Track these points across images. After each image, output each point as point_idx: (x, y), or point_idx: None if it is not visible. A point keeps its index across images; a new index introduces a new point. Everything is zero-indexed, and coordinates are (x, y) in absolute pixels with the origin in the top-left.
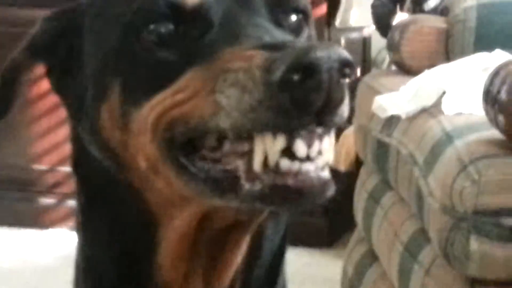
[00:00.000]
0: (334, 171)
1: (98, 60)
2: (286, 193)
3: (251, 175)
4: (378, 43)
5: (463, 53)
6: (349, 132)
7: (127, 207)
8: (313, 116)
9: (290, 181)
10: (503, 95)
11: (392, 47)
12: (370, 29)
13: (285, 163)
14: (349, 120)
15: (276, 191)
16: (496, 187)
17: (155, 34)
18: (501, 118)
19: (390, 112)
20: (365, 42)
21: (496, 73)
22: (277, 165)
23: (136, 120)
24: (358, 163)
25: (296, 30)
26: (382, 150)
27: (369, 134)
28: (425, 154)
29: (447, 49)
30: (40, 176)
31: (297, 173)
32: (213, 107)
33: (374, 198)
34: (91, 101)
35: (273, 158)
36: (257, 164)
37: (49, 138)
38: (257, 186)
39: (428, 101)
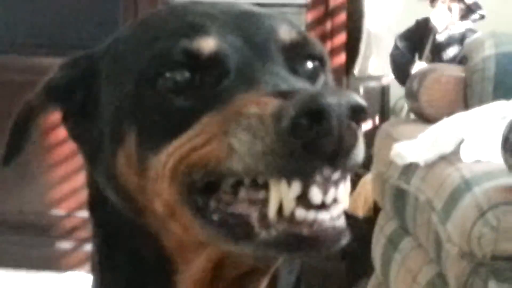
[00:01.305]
0: (352, 217)
1: (114, 106)
2: (300, 242)
3: (265, 223)
4: (397, 91)
5: (481, 101)
6: (367, 179)
7: (143, 251)
8: (325, 160)
9: (305, 231)
10: None
11: (411, 96)
12: (388, 77)
13: (300, 212)
14: (367, 167)
15: (290, 239)
16: None
17: (171, 82)
18: None
19: (409, 159)
20: (384, 91)
21: None
22: (292, 213)
23: (153, 166)
24: (376, 209)
25: (312, 77)
26: (400, 196)
27: (387, 181)
28: (444, 200)
29: (466, 97)
30: (58, 221)
31: (312, 223)
32: (227, 150)
33: (392, 244)
34: (108, 146)
35: (288, 206)
36: (272, 212)
37: (67, 184)
38: (272, 234)
39: (447, 149)
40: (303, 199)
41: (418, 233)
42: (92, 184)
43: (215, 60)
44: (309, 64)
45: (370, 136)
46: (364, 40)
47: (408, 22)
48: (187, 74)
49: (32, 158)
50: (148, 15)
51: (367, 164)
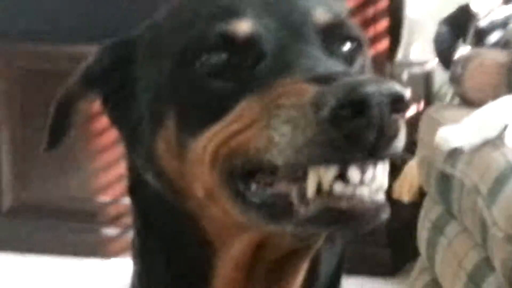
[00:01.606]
0: (397, 202)
1: (153, 90)
2: (339, 216)
3: (305, 200)
4: (441, 77)
5: None
6: (413, 164)
7: (183, 234)
8: (366, 150)
9: (343, 204)
10: None
11: (455, 81)
12: (432, 63)
13: (338, 187)
14: (412, 152)
15: (330, 214)
16: None
17: (208, 64)
18: None
19: (454, 144)
20: (428, 76)
21: None
22: (330, 189)
23: (193, 150)
24: (421, 194)
25: (349, 59)
26: (445, 181)
27: (433, 165)
28: (489, 185)
29: (510, 82)
30: (104, 208)
31: (351, 197)
32: (267, 142)
33: (438, 228)
34: (147, 130)
35: (326, 183)
36: (310, 191)
37: (112, 171)
38: (311, 210)
39: (492, 133)
40: (341, 178)
41: (464, 218)
42: (132, 168)
43: (251, 42)
44: (346, 46)
45: (414, 122)
46: (406, 26)
47: (450, 8)
48: (223, 57)
49: (77, 146)
50: None
51: (412, 149)
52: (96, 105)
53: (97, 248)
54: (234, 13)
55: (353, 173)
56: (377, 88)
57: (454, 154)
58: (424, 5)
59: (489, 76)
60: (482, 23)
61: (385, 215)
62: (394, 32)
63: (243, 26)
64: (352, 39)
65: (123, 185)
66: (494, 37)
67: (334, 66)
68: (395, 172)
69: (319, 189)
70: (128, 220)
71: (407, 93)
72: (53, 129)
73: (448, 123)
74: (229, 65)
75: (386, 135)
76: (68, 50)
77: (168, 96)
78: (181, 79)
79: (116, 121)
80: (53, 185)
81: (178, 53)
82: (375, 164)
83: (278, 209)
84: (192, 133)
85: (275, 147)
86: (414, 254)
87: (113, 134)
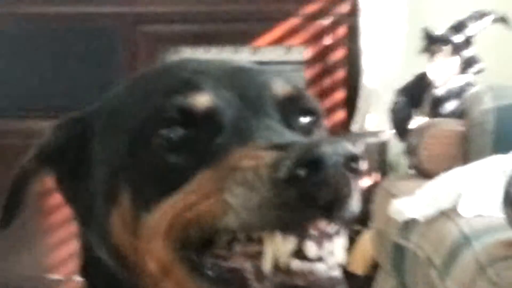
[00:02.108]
0: (351, 275)
1: (108, 166)
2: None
3: (261, 276)
4: (396, 147)
5: (481, 155)
6: (366, 236)
7: None
8: (321, 211)
9: (300, 281)
10: None
11: (410, 151)
12: (387, 133)
13: (295, 264)
14: (366, 224)
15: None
16: None
17: (165, 139)
18: None
19: (408, 215)
20: (383, 147)
21: None
22: (287, 266)
23: (147, 224)
24: (375, 266)
25: (307, 131)
26: (399, 253)
27: (387, 237)
28: (443, 256)
29: (465, 152)
30: (56, 286)
31: (307, 273)
32: (223, 207)
33: None
34: (101, 206)
35: (283, 259)
36: (267, 266)
37: (65, 248)
38: (267, 287)
39: (446, 204)
40: (298, 252)
41: None
42: (85, 246)
43: (210, 116)
44: (304, 119)
45: (369, 193)
46: (362, 96)
47: (407, 77)
48: (181, 131)
49: (29, 223)
50: (141, 73)
51: (366, 221)
52: (49, 182)
53: None
54: (192, 87)
55: (310, 248)
56: (332, 148)
57: (408, 226)
58: (381, 75)
59: (445, 146)
60: (438, 92)
61: None
62: (351, 102)
63: (202, 100)
64: (310, 111)
65: (75, 263)
66: (450, 106)
67: (292, 137)
68: (349, 244)
69: (275, 265)
70: None
71: (362, 154)
72: (7, 209)
73: (402, 195)
74: (187, 139)
75: (341, 195)
76: (22, 125)
77: (124, 170)
78: (137, 154)
79: (70, 198)
80: (4, 262)
81: (134, 127)
82: (332, 238)
83: (233, 285)
84: (147, 208)
85: (230, 209)
86: None
87: (65, 211)
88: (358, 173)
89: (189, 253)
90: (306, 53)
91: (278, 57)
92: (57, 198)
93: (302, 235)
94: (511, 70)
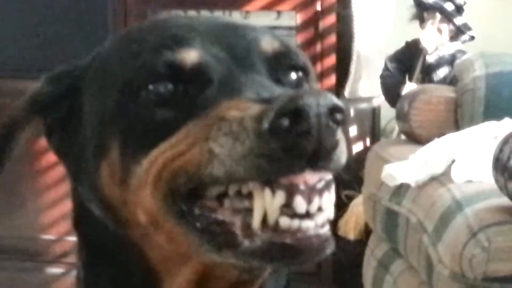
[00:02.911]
0: (343, 240)
1: (98, 118)
2: (284, 251)
3: (249, 232)
4: (387, 113)
5: (472, 122)
6: (358, 201)
7: (128, 264)
8: (306, 161)
9: (288, 239)
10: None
11: (401, 117)
12: (379, 99)
13: (284, 221)
14: (358, 189)
15: (274, 249)
16: (506, 254)
17: (154, 94)
18: (511, 185)
19: (400, 180)
20: (374, 112)
21: (505, 141)
22: (276, 222)
23: (136, 175)
24: (367, 231)
25: (296, 87)
26: (391, 218)
27: (378, 202)
28: (435, 222)
29: (456, 118)
30: (48, 246)
31: (296, 231)
32: (208, 155)
33: (383, 266)
34: (91, 159)
35: (272, 215)
36: (256, 222)
37: (57, 208)
38: (255, 243)
39: (438, 170)
40: (287, 208)
41: (410, 255)
42: (76, 198)
43: (198, 71)
44: (293, 75)
45: (361, 158)
46: (354, 62)
47: (398, 44)
48: (170, 86)
49: (22, 183)
50: (131, 28)
51: (358, 186)
52: (41, 142)
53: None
54: (181, 42)
55: (299, 202)
56: (315, 98)
57: (400, 190)
58: (372, 41)
59: (436, 112)
60: (430, 58)
61: (330, 248)
62: (342, 68)
63: (191, 55)
64: (298, 67)
65: (67, 223)
66: (441, 72)
67: (279, 91)
68: (341, 209)
69: (264, 221)
70: (73, 259)
71: (344, 106)
72: None
73: (394, 160)
74: (175, 94)
75: (325, 144)
76: (13, 84)
77: (113, 124)
78: (126, 109)
79: (60, 151)
80: None
81: (123, 82)
82: (321, 193)
83: (221, 238)
84: (136, 160)
85: (215, 158)
86: None
87: (58, 171)
88: (341, 124)
89: (178, 204)
90: (297, 18)
91: (269, 22)
92: (49, 159)
93: (290, 189)
94: (502, 37)
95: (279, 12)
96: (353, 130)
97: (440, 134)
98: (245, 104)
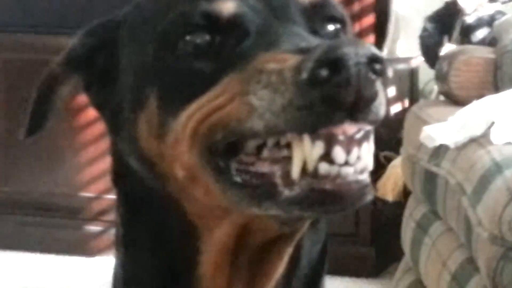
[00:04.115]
0: (382, 201)
1: (135, 71)
2: (324, 196)
3: (289, 181)
4: (426, 74)
5: (511, 83)
6: (397, 162)
7: (167, 219)
8: (345, 112)
9: (328, 185)
10: None
11: (440, 78)
12: (418, 60)
13: (323, 168)
14: (397, 150)
15: (314, 195)
16: None
17: (191, 45)
18: None
19: (439, 142)
20: (413, 73)
21: None
22: (315, 170)
23: (174, 129)
24: (406, 193)
25: (334, 38)
26: (430, 180)
27: (417, 164)
28: (474, 184)
29: (496, 79)
30: (87, 204)
31: (335, 177)
32: (248, 109)
33: (422, 228)
34: (129, 111)
35: (311, 164)
36: (295, 171)
37: (96, 166)
38: (295, 191)
39: (477, 131)
40: (326, 158)
41: (448, 217)
42: (115, 153)
43: (235, 22)
44: (330, 26)
45: (399, 119)
46: (392, 22)
47: (437, 4)
48: (207, 37)
49: (61, 140)
50: None
51: (396, 147)
52: (80, 99)
53: (81, 245)
54: None
55: (338, 152)
56: (354, 49)
57: (439, 152)
58: (411, 1)
59: (476, 73)
60: (469, 19)
61: (369, 196)
62: (380, 28)
63: (227, 6)
64: (336, 19)
65: (106, 181)
66: (480, 34)
67: (316, 41)
68: (379, 170)
69: (303, 170)
70: (111, 216)
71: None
72: (34, 115)
73: (433, 121)
74: (213, 45)
75: (364, 96)
76: (52, 41)
77: (151, 76)
78: (163, 60)
79: (99, 104)
80: (36, 180)
81: (160, 34)
82: (360, 143)
83: (261, 190)
84: (173, 113)
85: (255, 112)
86: (398, 254)
87: (96, 129)
88: (381, 75)
89: (216, 158)
90: None
91: None
92: (88, 116)
93: (329, 140)
94: None
95: None
96: (391, 91)
97: (480, 95)
98: (283, 55)
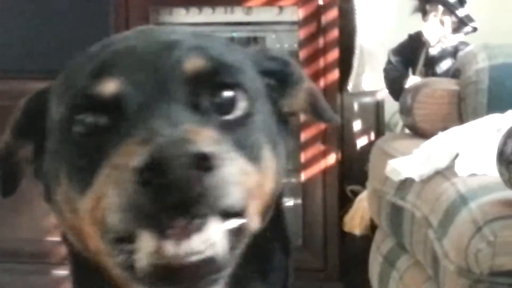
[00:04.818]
0: (349, 236)
1: (50, 145)
2: (171, 274)
3: (139, 260)
4: (392, 106)
5: (476, 115)
6: (364, 196)
7: (102, 279)
8: (176, 211)
9: (174, 262)
10: None
11: (405, 111)
12: (383, 92)
13: (168, 245)
14: (363, 184)
15: (161, 272)
16: (511, 248)
17: (82, 125)
18: None
19: (404, 175)
20: (378, 106)
21: (509, 134)
22: (160, 248)
23: (80, 207)
24: (373, 227)
25: (226, 107)
26: (396, 213)
27: (383, 197)
28: (440, 216)
29: (460, 111)
30: (54, 248)
31: (181, 255)
32: (106, 205)
33: (389, 262)
34: (51, 183)
35: (149, 257)
36: (142, 251)
37: None
38: (144, 269)
39: (442, 164)
40: (161, 252)
41: (416, 250)
42: None
43: (116, 103)
44: (226, 93)
45: (365, 152)
46: (357, 56)
47: (400, 37)
48: (92, 119)
49: (27, 185)
50: (86, 49)
51: (363, 181)
52: None
53: None
54: (102, 72)
55: (169, 246)
56: (174, 150)
57: (404, 185)
58: (375, 34)
59: (440, 106)
60: (432, 51)
61: (215, 270)
62: (345, 62)
63: (109, 86)
64: (229, 85)
65: None
66: (444, 65)
67: (185, 123)
68: (346, 205)
69: (153, 247)
70: None
71: (216, 150)
72: (4, 180)
73: (398, 154)
74: (98, 127)
75: (190, 195)
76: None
77: (61, 154)
78: (64, 138)
79: (36, 172)
80: (2, 225)
81: (60, 112)
82: (192, 235)
83: (129, 269)
84: (80, 191)
85: (108, 209)
86: (367, 287)
87: None
88: (211, 169)
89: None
90: (299, 13)
91: (271, 17)
92: None
93: (162, 235)
94: (505, 29)
95: (281, 7)
96: (357, 124)
97: (444, 127)
98: (132, 148)
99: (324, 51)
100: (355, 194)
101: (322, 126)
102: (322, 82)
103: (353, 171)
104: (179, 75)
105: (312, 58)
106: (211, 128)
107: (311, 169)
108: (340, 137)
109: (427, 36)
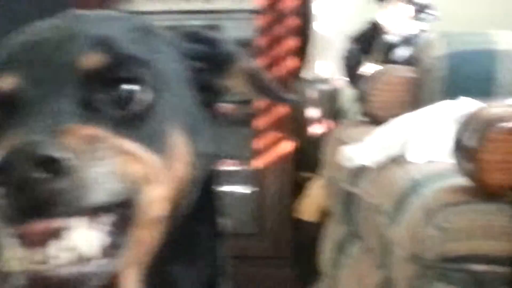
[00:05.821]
0: (302, 222)
1: None
2: (38, 284)
3: (8, 270)
4: (348, 94)
5: (432, 102)
6: (318, 183)
7: None
8: (28, 213)
9: (39, 273)
10: (472, 143)
11: (362, 98)
12: (341, 80)
13: (27, 256)
14: (318, 171)
15: (29, 283)
16: (463, 234)
17: None
18: (470, 165)
19: (357, 162)
20: (336, 94)
21: (467, 122)
22: (25, 258)
23: None
24: (326, 214)
25: (124, 101)
26: (349, 200)
27: (337, 184)
28: (392, 203)
29: (417, 99)
30: None
31: (46, 269)
32: None
33: (341, 248)
34: None
35: (20, 253)
36: (9, 261)
37: None
38: (14, 280)
39: (395, 150)
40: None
41: (367, 237)
42: None
43: (11, 99)
44: (123, 88)
45: (321, 140)
46: (315, 44)
47: (359, 24)
48: None
49: None
50: None
51: (316, 168)
52: None
53: None
54: (3, 67)
55: (24, 254)
56: (20, 154)
57: (358, 172)
58: (333, 22)
59: (396, 92)
60: (390, 38)
61: (96, 275)
62: (303, 50)
63: (7, 81)
64: (126, 80)
65: None
66: (402, 52)
67: (69, 121)
68: (300, 191)
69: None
70: None
71: (61, 153)
72: None
73: (353, 142)
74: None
75: (39, 198)
76: None
77: None
78: None
79: None
80: None
81: None
82: (69, 229)
83: (7, 276)
84: None
85: None
86: (318, 274)
87: None
88: (60, 172)
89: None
90: (259, 1)
91: (230, 5)
92: None
93: (21, 239)
94: (464, 17)
95: None
96: (314, 112)
97: (400, 114)
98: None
99: (283, 39)
100: (307, 180)
101: (278, 113)
102: (282, 70)
103: (308, 158)
104: (73, 71)
105: (271, 45)
106: (102, 124)
107: (266, 156)
108: (296, 125)
109: (385, 23)
